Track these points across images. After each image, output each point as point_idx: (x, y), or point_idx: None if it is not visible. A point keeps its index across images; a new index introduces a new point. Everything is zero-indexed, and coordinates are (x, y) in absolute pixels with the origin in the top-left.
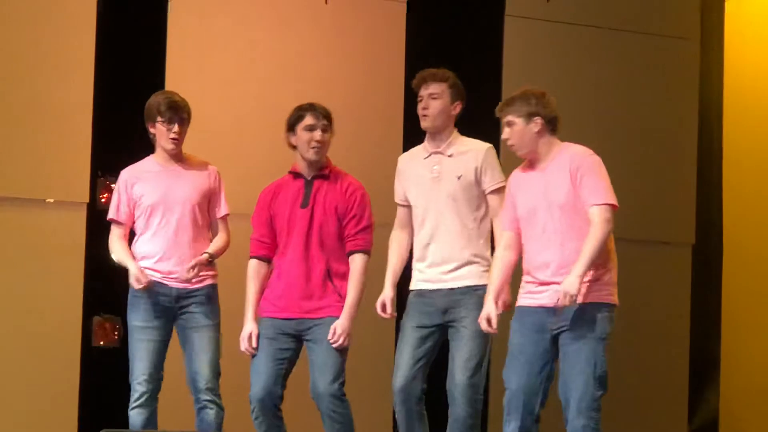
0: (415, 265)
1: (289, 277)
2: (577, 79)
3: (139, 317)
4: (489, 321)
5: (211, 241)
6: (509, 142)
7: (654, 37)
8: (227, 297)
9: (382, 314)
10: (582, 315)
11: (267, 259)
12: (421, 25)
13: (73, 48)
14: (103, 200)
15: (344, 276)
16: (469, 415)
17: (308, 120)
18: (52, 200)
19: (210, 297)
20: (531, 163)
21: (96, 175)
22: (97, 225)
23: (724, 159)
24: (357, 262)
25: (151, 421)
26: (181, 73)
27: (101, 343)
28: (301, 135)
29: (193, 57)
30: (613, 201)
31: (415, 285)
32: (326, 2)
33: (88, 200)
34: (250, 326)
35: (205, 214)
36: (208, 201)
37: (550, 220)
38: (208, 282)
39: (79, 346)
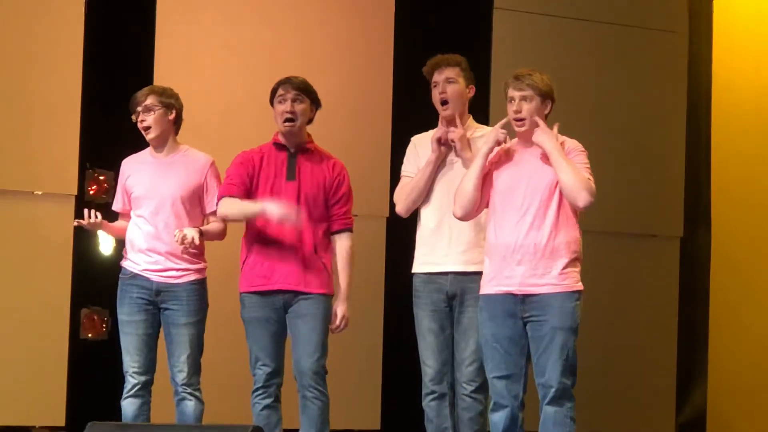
0: (422, 249)
1: (279, 249)
2: (565, 71)
3: (124, 310)
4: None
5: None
6: (527, 121)
7: (642, 30)
8: (213, 290)
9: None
10: (553, 305)
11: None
12: (410, 18)
13: (62, 40)
14: (91, 192)
15: (326, 249)
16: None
17: (279, 91)
18: (40, 192)
19: (191, 293)
20: (519, 145)
21: (84, 167)
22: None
23: (713, 152)
24: (346, 240)
25: (143, 410)
26: (169, 67)
27: (89, 335)
28: (276, 107)
29: (181, 50)
30: (594, 193)
31: (422, 268)
32: None
33: (76, 192)
34: (270, 203)
35: (196, 207)
36: (198, 195)
37: (532, 203)
38: (192, 277)
39: (67, 338)
